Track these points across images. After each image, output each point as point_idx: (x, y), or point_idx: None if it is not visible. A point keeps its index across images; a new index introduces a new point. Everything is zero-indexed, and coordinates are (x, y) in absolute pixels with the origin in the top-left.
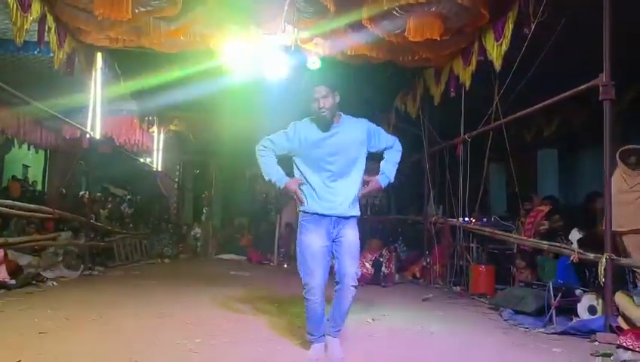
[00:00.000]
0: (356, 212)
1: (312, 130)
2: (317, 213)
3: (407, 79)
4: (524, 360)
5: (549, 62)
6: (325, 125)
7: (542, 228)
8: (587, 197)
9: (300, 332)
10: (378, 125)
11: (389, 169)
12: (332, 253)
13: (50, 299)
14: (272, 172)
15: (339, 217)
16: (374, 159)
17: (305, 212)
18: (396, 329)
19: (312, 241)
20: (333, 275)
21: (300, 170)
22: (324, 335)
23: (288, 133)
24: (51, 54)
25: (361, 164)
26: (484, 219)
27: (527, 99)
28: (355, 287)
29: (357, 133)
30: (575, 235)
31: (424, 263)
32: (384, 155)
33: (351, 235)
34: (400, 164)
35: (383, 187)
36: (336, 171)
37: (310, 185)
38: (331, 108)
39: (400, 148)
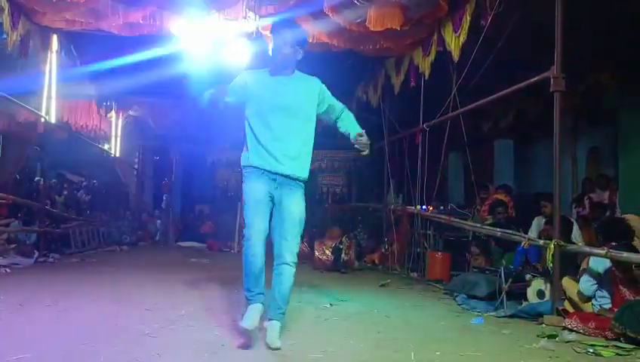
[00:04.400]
0: (302, 174)
1: (261, 75)
2: (259, 168)
3: (368, 68)
4: (475, 342)
5: (505, 54)
6: (277, 72)
7: (487, 223)
8: (536, 196)
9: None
10: None
11: (355, 126)
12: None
13: (2, 286)
14: (205, 95)
15: (281, 175)
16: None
17: (250, 166)
18: (353, 313)
19: (254, 189)
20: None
21: (247, 122)
22: (262, 293)
23: (237, 77)
24: (4, 36)
25: (311, 124)
26: (442, 208)
27: (485, 90)
28: (294, 264)
29: (308, 89)
30: (539, 222)
31: (383, 250)
32: (338, 123)
33: (295, 205)
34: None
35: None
36: (283, 125)
37: (255, 137)
38: (289, 58)
39: (349, 112)
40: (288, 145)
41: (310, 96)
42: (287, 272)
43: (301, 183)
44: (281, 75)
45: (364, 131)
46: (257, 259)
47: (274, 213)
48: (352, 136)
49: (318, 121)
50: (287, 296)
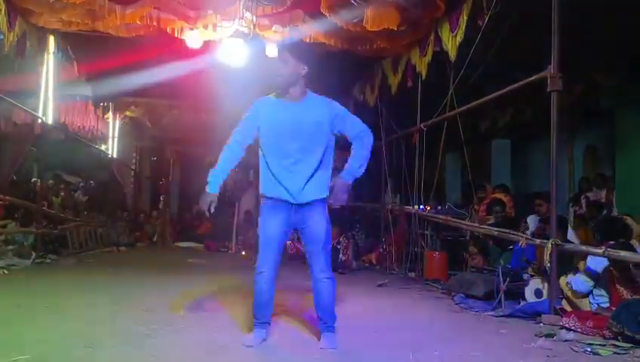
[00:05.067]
0: (319, 195)
1: (271, 105)
2: (274, 198)
3: (365, 68)
4: (474, 341)
5: (503, 54)
6: (286, 99)
7: (487, 223)
8: (533, 195)
9: None
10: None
11: (354, 166)
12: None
13: (0, 287)
14: (214, 173)
15: (299, 204)
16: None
17: (264, 196)
18: (351, 313)
19: (268, 225)
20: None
21: (261, 152)
22: (269, 322)
23: (248, 113)
24: (0, 37)
25: (327, 147)
26: (439, 207)
27: (482, 89)
28: (329, 278)
29: (319, 113)
30: (533, 221)
31: (381, 250)
32: (352, 146)
33: (316, 224)
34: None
35: (349, 185)
36: (297, 153)
37: (269, 168)
38: (288, 76)
39: (371, 139)
40: (302, 175)
41: (322, 121)
42: (322, 287)
43: (320, 202)
44: (289, 99)
45: (352, 177)
46: (266, 291)
47: (300, 232)
48: (345, 169)
49: None
50: (330, 308)
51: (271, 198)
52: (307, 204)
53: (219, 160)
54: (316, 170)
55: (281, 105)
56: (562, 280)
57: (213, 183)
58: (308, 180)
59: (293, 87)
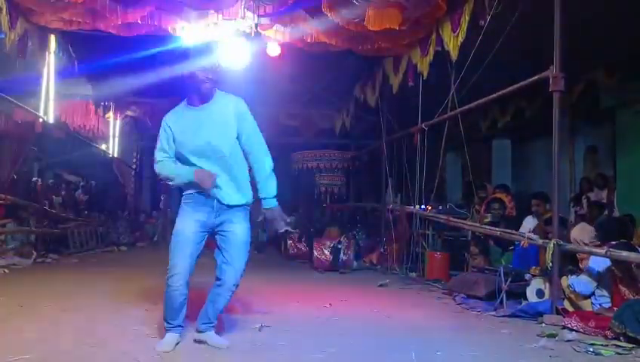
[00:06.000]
0: (242, 200)
1: (181, 111)
2: (197, 193)
3: (366, 68)
4: (475, 341)
5: (504, 54)
6: (199, 100)
7: (485, 221)
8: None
9: (256, 318)
10: (338, 111)
11: (266, 187)
12: (218, 243)
13: (2, 287)
14: (176, 172)
15: (221, 203)
16: None
17: (187, 194)
18: (352, 313)
19: (186, 227)
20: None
21: (181, 161)
22: (181, 326)
23: (163, 128)
24: (2, 36)
25: (237, 146)
26: (440, 207)
27: (483, 89)
28: (236, 287)
29: (228, 110)
30: (530, 222)
31: (381, 250)
32: (251, 164)
33: (239, 229)
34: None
35: (278, 208)
36: (212, 153)
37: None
38: (215, 82)
39: (267, 162)
40: (223, 175)
41: (232, 118)
42: (227, 294)
43: (243, 208)
44: (198, 104)
45: (273, 199)
46: (179, 295)
47: (219, 235)
48: (262, 196)
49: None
50: (220, 311)
51: (194, 193)
52: (228, 207)
53: (164, 170)
54: (238, 173)
55: (189, 113)
56: (564, 281)
57: (184, 169)
58: (229, 182)
59: (207, 96)
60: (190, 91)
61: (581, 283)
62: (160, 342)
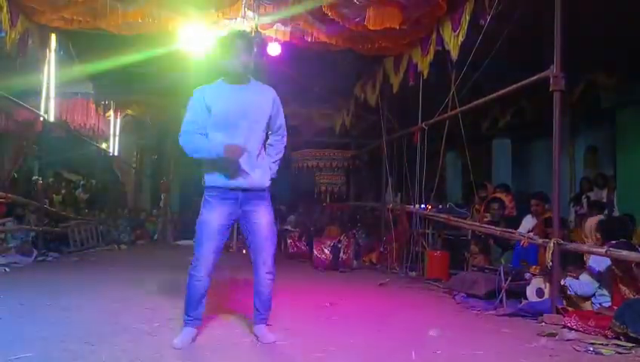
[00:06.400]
0: (265, 183)
1: (219, 88)
2: (222, 187)
3: (366, 68)
4: (475, 340)
5: (504, 53)
6: (236, 82)
7: (485, 220)
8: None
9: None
10: (338, 111)
11: (272, 166)
12: (245, 234)
13: (2, 285)
14: (204, 147)
15: (247, 190)
16: None
17: (210, 186)
18: (352, 312)
19: (211, 220)
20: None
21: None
22: (200, 319)
23: (194, 100)
24: (2, 34)
25: (264, 134)
26: (440, 206)
27: (484, 89)
28: (273, 275)
29: (264, 98)
30: (529, 222)
31: (381, 249)
32: (269, 141)
33: (265, 217)
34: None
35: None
36: (244, 135)
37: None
38: (249, 65)
39: (285, 142)
40: (249, 159)
41: (265, 106)
42: (265, 283)
43: (267, 193)
44: (238, 83)
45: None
46: (201, 286)
47: (246, 224)
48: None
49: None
50: (268, 302)
51: (218, 188)
52: (254, 192)
53: (192, 145)
54: (261, 158)
55: (229, 88)
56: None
57: (212, 144)
58: (255, 166)
59: (246, 76)
60: (228, 71)
61: (582, 283)
62: (177, 338)
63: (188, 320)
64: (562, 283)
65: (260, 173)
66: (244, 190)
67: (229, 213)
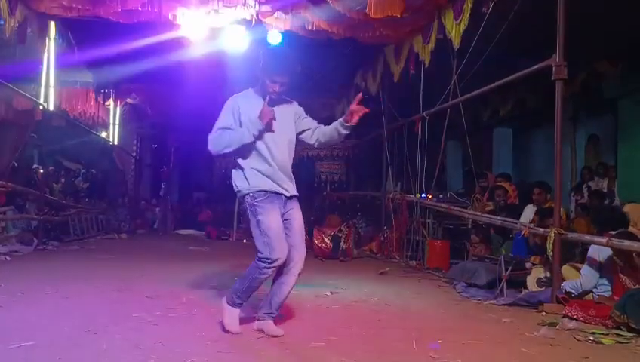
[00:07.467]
0: (296, 191)
1: (251, 97)
2: (267, 190)
3: (367, 56)
4: (476, 330)
5: (506, 42)
6: (269, 103)
7: (487, 209)
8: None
9: (256, 306)
10: (339, 101)
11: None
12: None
13: (3, 273)
14: (236, 136)
15: (286, 197)
16: None
17: (255, 191)
18: (353, 302)
19: (273, 220)
20: None
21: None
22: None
23: (231, 107)
24: (1, 22)
25: (294, 145)
26: (441, 196)
27: (485, 78)
28: (299, 274)
29: (290, 112)
30: (530, 210)
31: (382, 238)
32: (315, 137)
33: (299, 218)
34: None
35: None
36: (277, 149)
37: (254, 164)
38: (287, 87)
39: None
40: (284, 168)
41: (292, 120)
42: (292, 281)
43: (298, 198)
44: (268, 99)
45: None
46: (265, 281)
47: (284, 224)
48: (340, 124)
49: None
50: (284, 301)
51: (265, 192)
52: (291, 198)
53: (224, 139)
54: (290, 166)
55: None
56: (564, 269)
57: (245, 126)
58: (290, 175)
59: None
60: (260, 85)
61: (585, 278)
62: (231, 325)
63: (239, 304)
64: (564, 289)
65: (293, 182)
66: (287, 197)
67: (280, 213)
